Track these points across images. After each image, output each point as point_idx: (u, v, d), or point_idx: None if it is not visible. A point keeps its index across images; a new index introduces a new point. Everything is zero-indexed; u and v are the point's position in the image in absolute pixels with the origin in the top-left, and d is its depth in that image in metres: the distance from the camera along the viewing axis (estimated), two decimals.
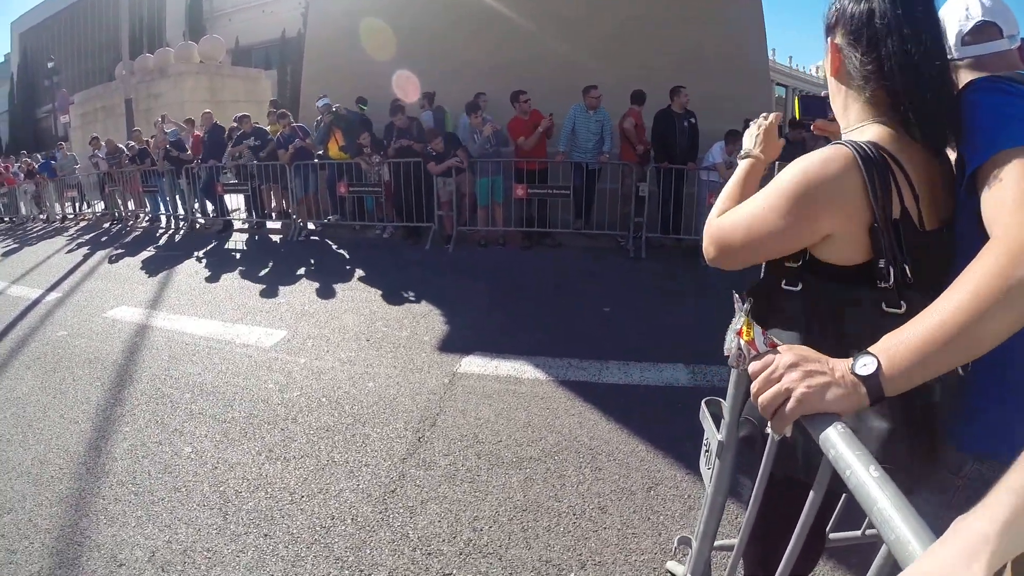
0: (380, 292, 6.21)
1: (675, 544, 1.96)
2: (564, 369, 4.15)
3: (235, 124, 10.39)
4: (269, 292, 6.36)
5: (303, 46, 13.90)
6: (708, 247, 1.32)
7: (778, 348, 1.01)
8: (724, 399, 1.70)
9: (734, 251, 1.25)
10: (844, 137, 1.20)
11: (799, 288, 1.23)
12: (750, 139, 1.51)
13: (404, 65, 10.45)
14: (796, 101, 1.50)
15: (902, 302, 1.09)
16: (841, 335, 1.15)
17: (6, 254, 10.04)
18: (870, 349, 0.93)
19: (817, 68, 59.93)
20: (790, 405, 0.93)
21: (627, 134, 8.06)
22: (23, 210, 15.06)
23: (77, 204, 14.00)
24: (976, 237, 0.97)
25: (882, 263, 1.10)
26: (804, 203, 1.11)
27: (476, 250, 8.24)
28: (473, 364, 4.28)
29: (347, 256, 8.29)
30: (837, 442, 0.90)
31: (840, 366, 0.94)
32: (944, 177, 1.16)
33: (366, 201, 9.19)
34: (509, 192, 8.19)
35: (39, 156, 15.15)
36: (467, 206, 8.49)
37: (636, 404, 3.65)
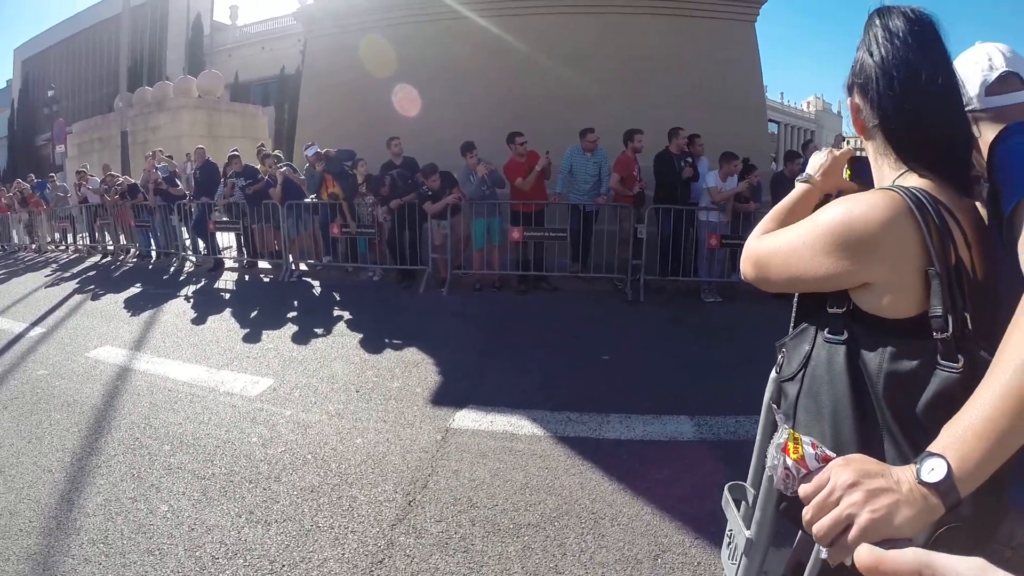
0: (372, 338, 6.03)
1: None
2: (563, 424, 3.99)
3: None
4: (257, 336, 6.18)
5: (301, 83, 13.95)
6: (746, 266, 1.28)
7: (832, 463, 0.87)
8: (746, 481, 1.56)
9: (770, 279, 1.21)
10: None
11: (844, 337, 1.11)
12: (815, 165, 1.43)
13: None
14: (848, 163, 1.41)
15: (959, 356, 0.96)
16: (892, 395, 1.03)
17: None
18: (932, 448, 0.81)
19: (808, 104, 60.92)
20: (853, 534, 0.78)
21: (617, 190, 7.90)
22: (15, 239, 14.91)
23: (69, 235, 13.85)
24: (1016, 283, 0.91)
25: (939, 310, 0.98)
26: (843, 247, 1.04)
27: (471, 294, 8.07)
28: (467, 419, 4.10)
29: (339, 299, 8.14)
30: None
31: (906, 477, 0.81)
32: (982, 224, 1.11)
33: (359, 243, 9.08)
34: (505, 235, 8.05)
35: (33, 177, 15.04)
36: (462, 249, 8.33)
37: (639, 461, 3.49)
